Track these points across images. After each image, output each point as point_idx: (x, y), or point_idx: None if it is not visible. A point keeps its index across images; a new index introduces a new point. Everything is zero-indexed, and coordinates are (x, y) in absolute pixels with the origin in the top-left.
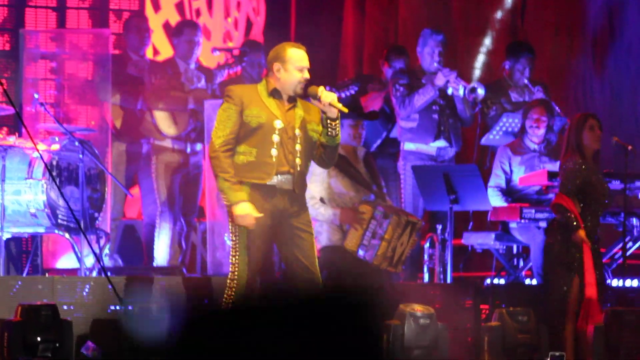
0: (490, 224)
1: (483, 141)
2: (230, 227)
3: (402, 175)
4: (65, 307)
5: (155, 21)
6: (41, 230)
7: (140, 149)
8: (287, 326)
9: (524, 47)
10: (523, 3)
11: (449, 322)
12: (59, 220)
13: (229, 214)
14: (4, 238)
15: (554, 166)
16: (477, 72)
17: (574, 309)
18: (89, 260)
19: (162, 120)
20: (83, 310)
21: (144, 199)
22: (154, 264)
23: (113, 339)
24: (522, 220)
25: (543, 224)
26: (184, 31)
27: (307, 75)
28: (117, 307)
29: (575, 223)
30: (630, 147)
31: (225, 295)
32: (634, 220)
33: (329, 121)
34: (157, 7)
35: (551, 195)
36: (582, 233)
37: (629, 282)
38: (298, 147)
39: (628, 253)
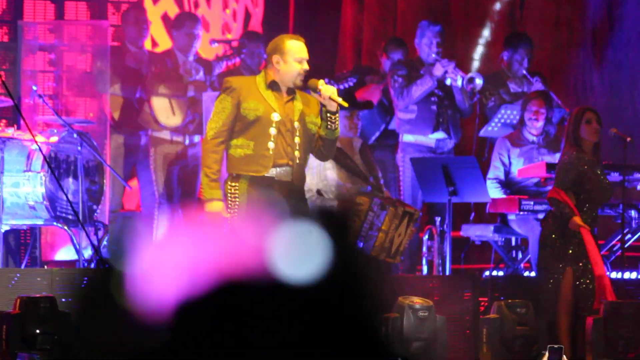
0: (489, 216)
1: (482, 133)
2: (228, 220)
3: (401, 168)
4: (63, 299)
5: (153, 13)
6: (40, 222)
7: (138, 141)
8: (283, 317)
9: (522, 37)
10: None
11: (447, 314)
12: (58, 213)
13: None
14: (3, 230)
15: (553, 158)
16: (475, 64)
17: (568, 300)
18: (88, 252)
19: (161, 111)
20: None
21: (143, 191)
22: None
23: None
24: (521, 212)
25: (541, 216)
26: (184, 24)
27: (306, 66)
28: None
29: (568, 211)
30: (629, 139)
31: None
32: (633, 213)
33: (328, 115)
34: None
35: (549, 187)
36: (577, 219)
37: (627, 275)
38: (297, 139)
39: (626, 245)
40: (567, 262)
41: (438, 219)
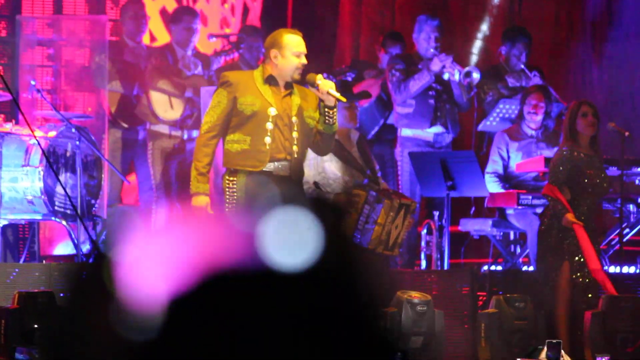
0: (487, 211)
1: (480, 127)
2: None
3: (399, 162)
4: (62, 294)
5: (152, 7)
6: (38, 217)
7: (136, 135)
8: (276, 308)
9: (520, 32)
10: None
11: (446, 309)
12: (56, 207)
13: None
14: (1, 225)
15: (551, 152)
16: (474, 58)
17: (566, 294)
18: (86, 247)
19: (159, 104)
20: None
21: (141, 185)
22: None
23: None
24: (519, 207)
25: (540, 210)
26: (182, 18)
27: (304, 60)
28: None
29: (561, 208)
30: (627, 133)
31: None
32: (631, 207)
33: (326, 109)
34: None
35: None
36: (569, 216)
37: (625, 269)
38: (295, 134)
39: (625, 239)
40: (564, 256)
41: (436, 214)
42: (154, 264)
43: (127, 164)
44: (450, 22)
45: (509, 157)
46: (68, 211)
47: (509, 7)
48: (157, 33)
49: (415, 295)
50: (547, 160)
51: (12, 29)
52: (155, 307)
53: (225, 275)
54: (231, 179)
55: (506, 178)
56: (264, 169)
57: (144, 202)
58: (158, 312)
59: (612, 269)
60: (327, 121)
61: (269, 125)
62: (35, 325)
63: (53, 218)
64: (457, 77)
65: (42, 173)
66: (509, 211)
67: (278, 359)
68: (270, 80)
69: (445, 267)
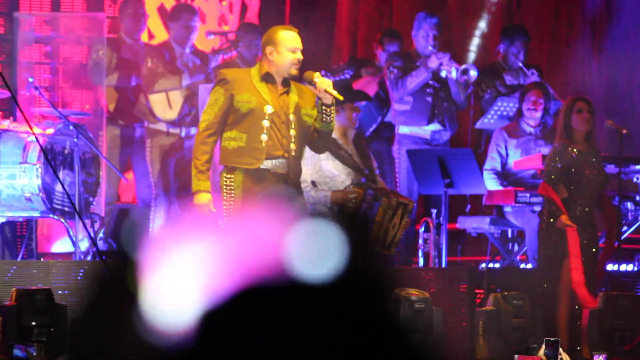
0: (485, 208)
1: (478, 125)
2: (224, 212)
3: (397, 160)
4: (60, 292)
5: (150, 5)
6: (36, 214)
7: (134, 132)
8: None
9: (518, 30)
10: None
11: (444, 306)
12: (54, 205)
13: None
14: None
15: (549, 150)
16: (472, 56)
17: (567, 293)
18: (84, 245)
19: (157, 104)
20: (78, 294)
21: (139, 182)
22: None
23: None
24: (517, 204)
25: (538, 208)
26: (181, 16)
27: (300, 56)
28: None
29: (555, 209)
30: (624, 131)
31: None
32: (629, 205)
33: (323, 107)
34: None
35: None
36: (564, 218)
37: (623, 267)
38: (292, 132)
39: (623, 237)
40: (564, 254)
41: (434, 211)
42: (186, 274)
43: (125, 161)
44: (448, 18)
45: (507, 155)
46: (66, 208)
47: (508, 4)
48: (155, 30)
49: (413, 293)
50: (544, 158)
51: (9, 26)
52: (185, 318)
53: (257, 286)
54: (228, 176)
55: (504, 175)
56: (261, 167)
57: (142, 200)
58: (187, 323)
59: (610, 267)
60: (324, 119)
61: (266, 123)
62: (33, 323)
63: (51, 215)
64: (454, 74)
65: (40, 170)
66: (507, 209)
67: None
68: (267, 78)
69: (443, 265)
